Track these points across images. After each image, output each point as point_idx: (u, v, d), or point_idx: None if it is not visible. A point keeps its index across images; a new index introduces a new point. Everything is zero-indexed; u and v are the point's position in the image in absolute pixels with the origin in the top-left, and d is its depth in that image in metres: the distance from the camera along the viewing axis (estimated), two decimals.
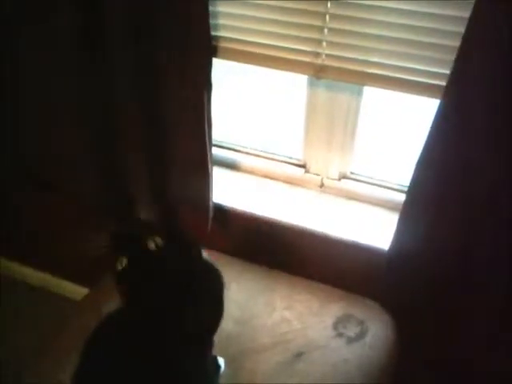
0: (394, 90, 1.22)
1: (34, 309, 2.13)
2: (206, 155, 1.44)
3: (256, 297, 1.48)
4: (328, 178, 1.58)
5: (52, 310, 1.94)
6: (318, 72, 1.25)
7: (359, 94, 1.38)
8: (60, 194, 1.70)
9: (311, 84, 1.42)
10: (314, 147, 1.55)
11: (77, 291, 2.05)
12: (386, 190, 1.54)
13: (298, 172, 1.61)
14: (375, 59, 1.18)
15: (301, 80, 1.43)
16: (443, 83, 1.10)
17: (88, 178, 1.60)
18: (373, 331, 1.40)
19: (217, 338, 1.18)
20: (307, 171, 1.60)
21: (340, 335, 1.39)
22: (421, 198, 1.24)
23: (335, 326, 1.41)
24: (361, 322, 1.42)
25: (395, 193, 1.52)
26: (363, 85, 1.28)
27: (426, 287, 1.33)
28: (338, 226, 1.49)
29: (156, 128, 1.42)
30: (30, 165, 1.74)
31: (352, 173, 1.57)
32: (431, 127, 1.14)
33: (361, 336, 1.39)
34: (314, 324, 1.42)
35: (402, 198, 1.45)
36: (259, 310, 1.45)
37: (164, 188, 1.53)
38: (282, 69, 1.30)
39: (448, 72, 1.06)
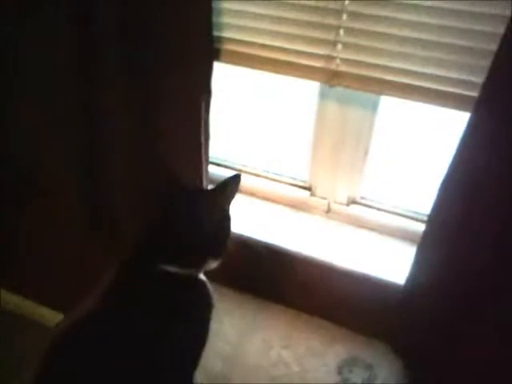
0: (416, 100, 1.08)
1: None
2: (201, 172, 1.30)
3: (251, 333, 1.31)
4: (336, 202, 1.43)
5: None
6: (331, 79, 1.12)
7: (374, 108, 1.25)
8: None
9: (322, 95, 1.28)
10: (321, 168, 1.40)
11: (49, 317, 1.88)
12: (399, 217, 1.38)
13: (303, 195, 1.46)
14: (397, 65, 1.05)
15: (309, 91, 1.30)
16: (475, 94, 0.97)
17: (75, 187, 1.46)
18: (382, 377, 1.23)
19: (202, 377, 1.01)
20: (313, 194, 1.45)
21: (345, 381, 1.21)
22: (443, 225, 1.09)
23: (340, 370, 1.24)
24: (369, 367, 1.25)
25: (409, 221, 1.37)
26: (382, 94, 1.14)
27: (445, 328, 1.17)
28: (345, 255, 1.33)
29: (147, 140, 1.28)
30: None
31: (362, 197, 1.42)
32: (459, 144, 1.00)
33: (369, 382, 1.21)
34: (316, 367, 1.24)
35: (416, 227, 1.34)
36: (253, 348, 1.28)
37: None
38: (291, 75, 1.17)
39: (481, 81, 0.93)
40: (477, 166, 0.99)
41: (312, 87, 1.28)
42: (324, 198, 1.44)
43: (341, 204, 1.43)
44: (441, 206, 1.09)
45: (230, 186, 1.04)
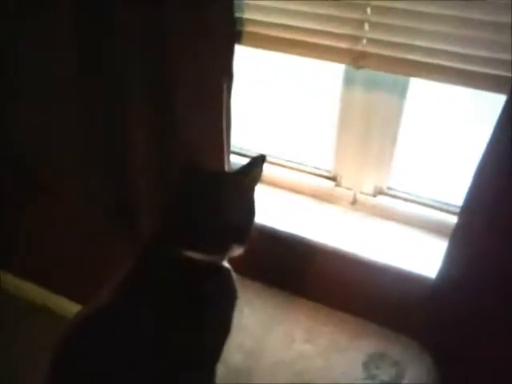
0: (448, 82, 1.03)
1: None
2: (223, 160, 1.26)
3: (272, 326, 1.27)
4: (361, 193, 1.38)
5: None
6: (357, 60, 1.07)
7: (403, 93, 1.19)
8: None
9: (347, 80, 1.23)
10: (346, 157, 1.35)
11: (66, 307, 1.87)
12: (428, 208, 1.32)
13: (328, 185, 1.41)
14: (426, 44, 1.00)
15: (334, 76, 1.25)
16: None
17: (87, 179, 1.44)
18: (411, 375, 1.17)
19: (222, 370, 0.97)
20: (338, 185, 1.40)
21: (372, 377, 1.16)
22: (477, 217, 1.03)
23: (366, 365, 1.18)
24: (396, 363, 1.19)
25: (439, 212, 1.31)
26: (411, 76, 1.09)
27: (475, 324, 1.10)
28: (371, 248, 1.28)
29: (165, 127, 1.25)
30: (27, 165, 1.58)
31: (389, 188, 1.37)
32: (494, 130, 0.95)
33: (397, 380, 1.16)
34: (341, 362, 1.19)
35: (446, 218, 1.29)
36: (275, 342, 1.23)
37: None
38: (315, 57, 1.13)
39: None
40: None
41: (337, 72, 1.23)
42: (349, 189, 1.39)
43: (367, 195, 1.37)
44: (474, 196, 1.03)
45: (254, 168, 0.99)
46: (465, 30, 0.95)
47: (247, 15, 1.13)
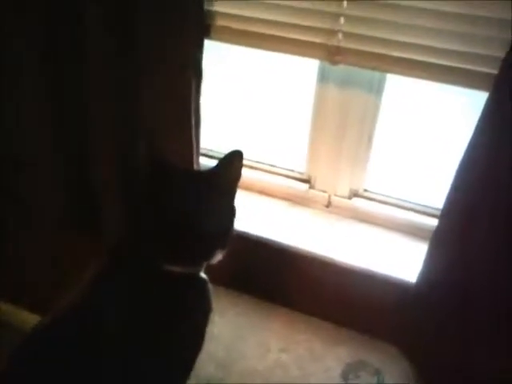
0: (427, 78, 1.00)
1: None
2: (192, 161, 1.20)
3: (246, 335, 1.21)
4: (336, 195, 1.33)
5: None
6: (333, 55, 1.03)
7: (379, 91, 1.16)
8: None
9: (321, 78, 1.19)
10: (320, 158, 1.31)
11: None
12: (404, 211, 1.29)
13: (301, 188, 1.36)
14: (405, 39, 0.96)
15: (307, 74, 1.21)
16: (494, 71, 0.89)
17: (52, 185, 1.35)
18: (391, 382, 1.13)
19: (193, 381, 0.91)
20: (312, 187, 1.36)
21: None
22: (457, 219, 1.00)
23: (345, 374, 1.14)
24: (377, 371, 1.15)
25: (416, 215, 1.28)
26: (389, 72, 1.06)
27: (456, 329, 1.07)
28: (347, 252, 1.23)
29: (131, 125, 1.18)
30: None
31: (365, 190, 1.33)
32: (476, 128, 0.92)
33: None
34: (318, 371, 1.14)
35: (423, 220, 1.26)
36: (249, 351, 1.18)
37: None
38: (289, 52, 1.08)
39: (502, 55, 0.85)
40: (497, 153, 0.90)
41: (310, 69, 1.19)
42: (324, 191, 1.34)
43: (342, 197, 1.33)
44: (454, 199, 1.00)
45: (233, 163, 0.89)
46: (445, 24, 0.92)
47: (217, 8, 1.07)
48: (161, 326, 0.82)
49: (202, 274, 0.92)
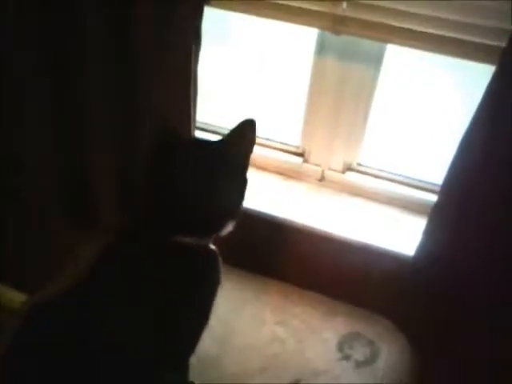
0: (434, 51, 0.99)
1: None
2: (191, 131, 1.17)
3: (241, 309, 1.20)
4: (330, 169, 1.33)
5: None
6: (337, 25, 1.01)
7: (377, 64, 1.15)
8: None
9: (319, 51, 1.17)
10: (315, 131, 1.29)
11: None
12: (398, 185, 1.30)
13: (295, 162, 1.35)
14: (410, 8, 0.95)
15: (304, 45, 1.19)
16: (501, 43, 0.87)
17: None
18: (385, 353, 1.15)
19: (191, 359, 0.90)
20: (306, 161, 1.35)
21: (346, 358, 1.12)
22: (458, 193, 1.00)
23: (340, 346, 1.15)
24: (370, 342, 1.16)
25: (409, 189, 1.29)
26: (394, 43, 1.03)
27: (451, 303, 1.08)
28: (340, 226, 1.23)
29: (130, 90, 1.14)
30: None
31: (359, 164, 1.32)
32: (481, 103, 0.91)
33: (372, 359, 1.13)
34: (314, 344, 1.15)
35: (416, 194, 1.27)
36: (245, 326, 1.17)
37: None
38: (291, 21, 1.06)
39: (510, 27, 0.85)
40: (502, 128, 0.89)
41: (308, 41, 1.17)
42: (317, 165, 1.34)
43: (336, 171, 1.32)
44: (455, 174, 0.99)
45: (246, 133, 0.86)
46: None
47: None
48: (172, 298, 0.80)
49: (212, 246, 0.90)
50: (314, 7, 1.01)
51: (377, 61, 1.15)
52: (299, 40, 1.23)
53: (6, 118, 1.17)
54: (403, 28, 0.98)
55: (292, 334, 1.16)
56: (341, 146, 1.29)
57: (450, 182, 1.01)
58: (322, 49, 1.17)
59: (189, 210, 0.83)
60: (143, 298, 0.78)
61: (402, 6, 0.96)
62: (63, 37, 1.08)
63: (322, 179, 1.35)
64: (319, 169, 1.33)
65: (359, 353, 1.14)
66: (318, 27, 1.07)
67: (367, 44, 1.11)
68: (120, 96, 1.10)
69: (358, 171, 1.32)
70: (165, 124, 0.90)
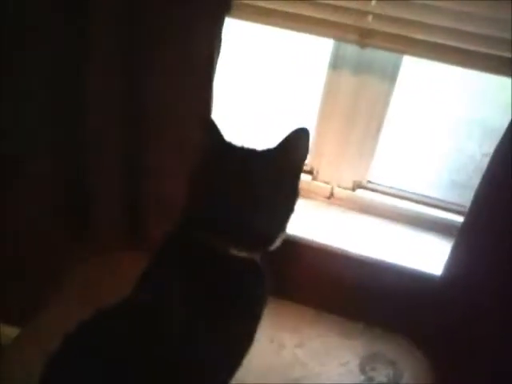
0: (459, 64, 0.99)
1: None
2: None
3: (258, 332, 1.14)
4: (339, 187, 1.30)
5: None
6: (363, 38, 1.00)
7: (392, 79, 1.15)
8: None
9: (334, 64, 1.16)
10: (326, 148, 1.27)
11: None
12: (409, 202, 1.28)
13: (303, 179, 1.32)
14: (437, 22, 0.95)
15: (319, 60, 1.18)
16: None
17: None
18: (408, 373, 1.11)
19: None
20: (314, 178, 1.32)
21: (370, 380, 1.09)
22: (487, 212, 0.98)
23: (362, 368, 1.11)
24: (392, 363, 1.13)
25: (422, 206, 1.28)
26: (419, 56, 1.02)
27: (475, 323, 1.05)
28: (353, 243, 1.20)
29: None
30: None
31: (369, 182, 1.31)
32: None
33: (395, 380, 1.09)
34: (336, 366, 1.10)
35: (428, 211, 1.25)
36: (264, 349, 1.11)
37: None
38: (316, 33, 1.03)
39: None
40: None
41: (322, 55, 1.16)
42: (327, 183, 1.31)
43: (345, 189, 1.30)
44: (485, 193, 0.99)
45: (297, 142, 0.83)
46: (474, 8, 0.92)
47: None
48: (223, 314, 0.75)
49: (259, 261, 0.85)
50: (340, 19, 0.99)
51: (392, 75, 1.14)
52: (312, 54, 1.22)
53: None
54: (431, 42, 0.97)
55: (313, 357, 1.11)
56: (350, 163, 1.27)
57: (478, 200, 1.00)
58: (336, 63, 1.15)
59: (240, 221, 0.79)
60: (196, 311, 0.73)
61: (429, 19, 0.95)
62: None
63: (330, 196, 1.32)
64: (328, 186, 1.31)
65: (382, 374, 1.10)
66: (344, 40, 1.06)
67: (382, 58, 1.11)
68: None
69: (368, 188, 1.31)
70: (212, 128, 0.85)
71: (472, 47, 0.96)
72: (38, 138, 1.09)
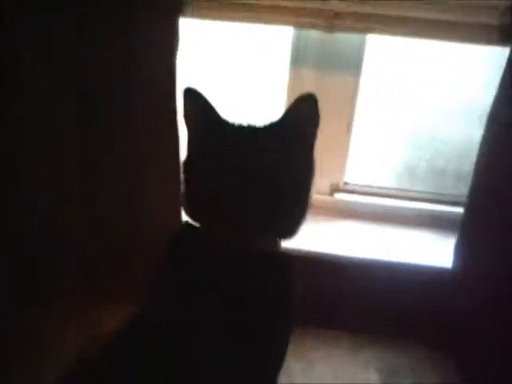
0: (438, 38, 0.95)
1: None
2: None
3: None
4: (317, 193, 1.21)
5: None
6: (331, 21, 0.93)
7: (357, 70, 1.09)
8: None
9: (295, 62, 1.09)
10: None
11: None
12: (389, 199, 1.22)
13: None
14: None
15: (280, 59, 1.11)
16: None
17: None
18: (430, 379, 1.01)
19: None
20: None
21: None
22: (485, 202, 0.94)
23: (384, 380, 0.99)
24: (413, 371, 1.02)
25: (400, 201, 1.21)
26: (393, 34, 0.97)
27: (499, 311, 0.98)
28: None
29: None
30: None
31: (346, 183, 1.23)
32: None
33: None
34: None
35: (409, 205, 1.19)
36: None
37: None
38: (281, 22, 0.96)
39: None
40: None
41: (282, 52, 1.09)
42: None
43: (323, 194, 1.22)
44: (481, 184, 0.95)
45: (302, 109, 0.71)
46: None
47: None
48: (251, 315, 0.65)
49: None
50: (306, 4, 0.92)
51: (356, 66, 1.09)
52: (273, 53, 1.14)
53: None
54: (404, 17, 0.92)
55: (328, 379, 0.98)
56: (324, 164, 1.18)
57: (475, 188, 0.96)
58: (297, 59, 1.09)
59: (262, 208, 0.67)
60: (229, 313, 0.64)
61: None
62: None
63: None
64: None
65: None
66: (312, 26, 0.98)
67: (344, 49, 1.06)
68: None
69: (346, 191, 1.23)
70: (204, 106, 0.73)
71: (454, 18, 0.92)
72: None
